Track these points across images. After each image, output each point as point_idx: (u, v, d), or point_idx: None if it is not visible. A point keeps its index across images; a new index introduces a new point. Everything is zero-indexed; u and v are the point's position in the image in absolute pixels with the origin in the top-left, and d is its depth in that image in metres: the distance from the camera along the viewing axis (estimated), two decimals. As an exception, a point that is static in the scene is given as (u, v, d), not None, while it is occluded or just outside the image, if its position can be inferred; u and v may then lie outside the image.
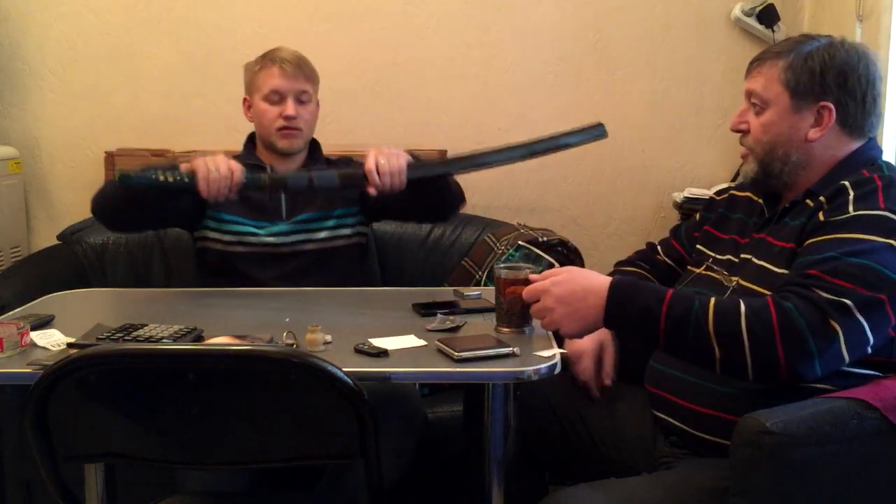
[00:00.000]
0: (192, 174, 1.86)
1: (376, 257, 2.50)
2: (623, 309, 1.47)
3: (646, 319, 1.45)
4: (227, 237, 2.14)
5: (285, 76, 2.14)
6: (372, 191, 1.92)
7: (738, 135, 1.66)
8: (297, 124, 2.14)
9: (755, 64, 1.63)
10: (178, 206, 2.06)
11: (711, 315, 1.41)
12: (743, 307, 1.40)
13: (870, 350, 1.41)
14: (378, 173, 1.89)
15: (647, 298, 1.46)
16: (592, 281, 1.51)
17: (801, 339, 1.36)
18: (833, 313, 1.37)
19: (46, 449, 1.31)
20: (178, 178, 1.87)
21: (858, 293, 1.38)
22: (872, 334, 1.39)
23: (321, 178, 1.97)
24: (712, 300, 1.43)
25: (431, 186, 2.04)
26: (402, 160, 1.92)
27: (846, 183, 1.52)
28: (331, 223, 2.17)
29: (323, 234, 2.17)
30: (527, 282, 1.59)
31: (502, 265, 1.67)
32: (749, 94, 1.63)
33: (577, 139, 1.99)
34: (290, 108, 2.13)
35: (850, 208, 1.48)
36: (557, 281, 1.52)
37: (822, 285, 1.39)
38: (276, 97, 2.14)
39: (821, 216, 1.50)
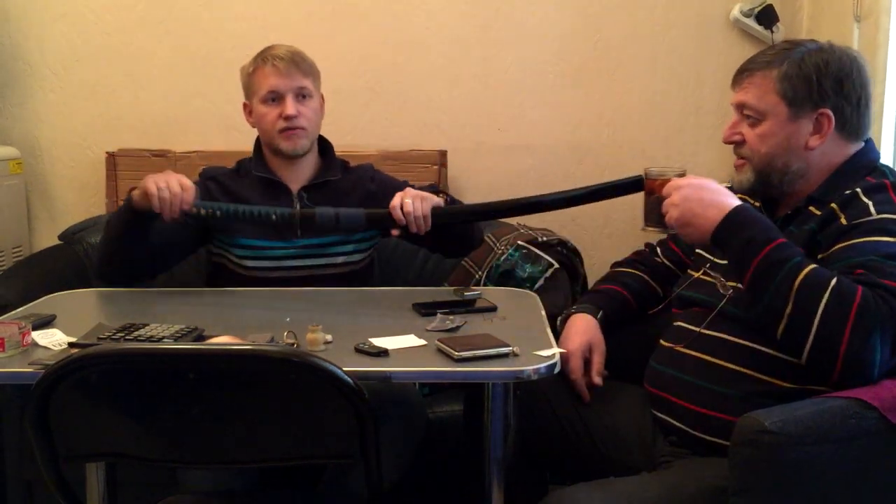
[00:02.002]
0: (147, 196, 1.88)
1: (377, 261, 2.50)
2: (731, 233, 1.50)
3: (745, 250, 1.47)
4: (246, 262, 2.08)
5: (279, 74, 2.05)
6: (395, 232, 1.92)
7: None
8: (299, 123, 2.06)
9: (744, 75, 1.62)
10: (172, 241, 2.04)
11: (803, 274, 1.42)
12: (833, 282, 1.40)
13: None
14: (403, 213, 1.88)
15: (756, 233, 1.48)
16: (722, 197, 1.54)
17: (870, 334, 1.37)
18: None
19: (47, 448, 1.31)
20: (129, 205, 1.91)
21: None
22: None
23: (347, 217, 1.95)
24: (813, 264, 1.44)
25: (454, 229, 2.04)
26: (428, 205, 1.91)
27: (858, 191, 1.52)
28: (350, 248, 2.13)
29: (341, 259, 2.12)
30: (667, 181, 1.62)
31: (653, 167, 1.70)
32: (741, 106, 1.62)
33: (613, 191, 1.91)
34: (289, 106, 2.04)
35: (873, 210, 1.49)
36: (693, 183, 1.57)
37: (885, 288, 1.39)
38: (274, 97, 2.06)
39: (843, 220, 1.50)
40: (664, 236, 1.71)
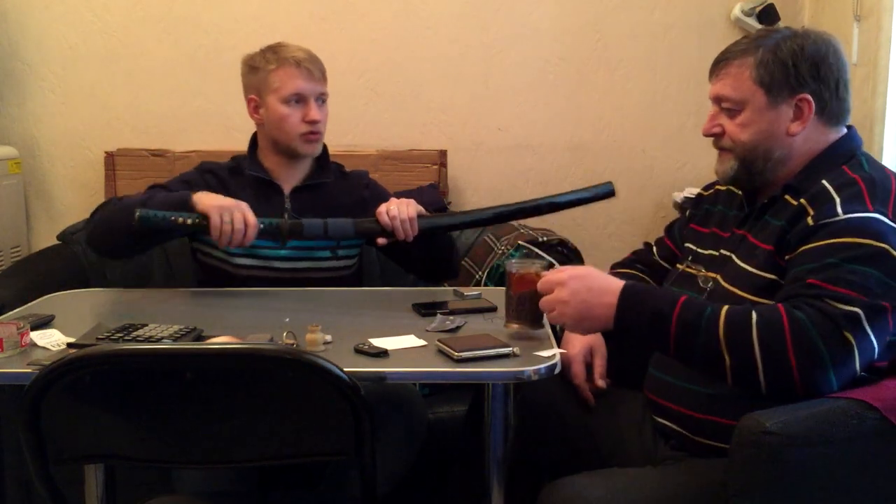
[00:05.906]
0: (206, 218, 1.88)
1: (377, 261, 2.49)
2: (635, 311, 1.46)
3: (658, 323, 1.44)
4: (236, 258, 2.07)
5: (308, 77, 2.06)
6: (382, 241, 1.95)
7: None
8: (320, 128, 2.08)
9: (720, 65, 1.60)
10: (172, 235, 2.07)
11: (722, 322, 1.40)
12: (754, 316, 1.38)
13: (875, 356, 1.41)
14: (389, 218, 1.92)
15: (659, 302, 1.45)
16: (609, 281, 1.51)
17: (815, 350, 1.35)
18: (846, 325, 1.35)
19: (37, 450, 1.30)
20: (194, 221, 1.89)
21: (864, 301, 1.36)
22: (877, 343, 1.39)
23: (336, 227, 1.97)
24: (725, 308, 1.42)
25: (437, 246, 2.06)
26: (413, 209, 1.95)
27: (827, 186, 1.49)
28: (339, 252, 2.13)
29: (329, 264, 2.12)
30: (538, 276, 1.56)
31: (514, 260, 1.65)
32: (718, 98, 1.61)
33: (584, 196, 2.03)
34: (314, 112, 2.05)
35: (840, 210, 1.45)
36: (575, 275, 1.50)
37: (830, 295, 1.37)
38: (298, 99, 2.06)
39: (809, 221, 1.47)
40: (533, 332, 1.61)
